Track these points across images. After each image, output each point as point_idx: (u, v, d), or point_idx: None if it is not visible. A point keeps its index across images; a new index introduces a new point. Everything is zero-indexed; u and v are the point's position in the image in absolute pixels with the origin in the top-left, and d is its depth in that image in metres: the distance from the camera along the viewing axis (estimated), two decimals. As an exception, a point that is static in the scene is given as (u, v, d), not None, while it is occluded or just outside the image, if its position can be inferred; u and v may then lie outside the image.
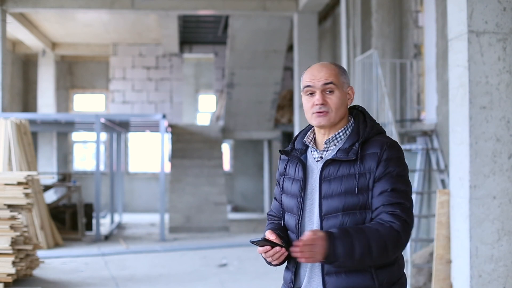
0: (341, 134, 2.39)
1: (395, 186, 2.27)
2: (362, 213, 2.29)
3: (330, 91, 2.35)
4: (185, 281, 8.11)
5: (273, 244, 2.30)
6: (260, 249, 2.31)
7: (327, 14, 13.75)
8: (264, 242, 2.28)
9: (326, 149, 2.39)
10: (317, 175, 2.37)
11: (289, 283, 2.40)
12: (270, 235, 2.33)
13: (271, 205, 2.59)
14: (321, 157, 2.39)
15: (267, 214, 2.59)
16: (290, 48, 14.95)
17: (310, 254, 2.16)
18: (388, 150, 2.30)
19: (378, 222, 2.25)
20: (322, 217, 2.31)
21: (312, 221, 2.36)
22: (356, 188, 2.28)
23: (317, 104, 2.34)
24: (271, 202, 2.68)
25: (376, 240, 2.21)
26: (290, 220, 2.41)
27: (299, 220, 2.37)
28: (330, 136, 2.38)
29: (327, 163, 2.33)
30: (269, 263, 2.42)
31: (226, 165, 18.86)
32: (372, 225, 2.24)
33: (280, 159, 2.54)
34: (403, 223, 2.25)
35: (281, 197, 2.49)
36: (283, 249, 2.30)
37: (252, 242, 2.31)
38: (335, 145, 2.39)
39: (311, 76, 2.37)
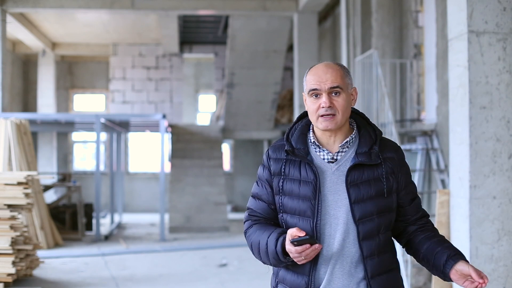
0: (353, 137, 2.39)
1: (416, 191, 2.50)
2: (390, 215, 2.38)
3: (336, 93, 2.33)
4: (185, 281, 8.11)
5: (313, 242, 2.23)
6: (298, 248, 2.23)
7: (327, 14, 13.75)
8: (309, 240, 2.21)
9: (340, 151, 2.37)
10: (332, 177, 2.34)
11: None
12: (300, 233, 2.23)
13: (252, 205, 2.49)
14: (333, 159, 2.36)
15: (248, 215, 2.50)
16: (290, 48, 14.95)
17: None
18: (401, 155, 2.44)
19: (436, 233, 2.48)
20: (357, 221, 2.30)
21: (333, 224, 2.32)
22: (385, 191, 2.35)
23: (323, 107, 2.31)
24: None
25: None
26: (300, 223, 2.34)
27: (315, 223, 2.32)
28: (347, 139, 2.37)
29: (351, 168, 2.33)
30: (278, 264, 2.36)
31: (226, 165, 18.86)
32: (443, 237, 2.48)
33: (270, 158, 2.43)
34: None
35: (277, 198, 2.40)
36: (321, 246, 2.26)
37: (294, 242, 2.22)
38: (347, 147, 2.38)
39: (317, 78, 2.33)
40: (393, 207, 2.38)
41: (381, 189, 2.33)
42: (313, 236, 2.30)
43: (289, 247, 2.25)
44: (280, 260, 2.33)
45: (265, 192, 2.44)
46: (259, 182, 2.47)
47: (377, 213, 2.32)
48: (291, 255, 2.26)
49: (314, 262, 2.32)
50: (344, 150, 2.37)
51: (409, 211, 2.44)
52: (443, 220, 5.41)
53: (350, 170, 2.32)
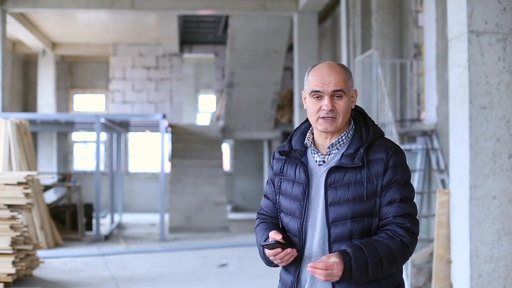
0: (343, 138, 2.35)
1: (403, 196, 2.29)
2: (369, 220, 2.29)
3: (338, 97, 2.31)
4: (185, 281, 8.11)
5: (284, 246, 2.27)
6: (270, 252, 2.28)
7: (327, 14, 13.75)
8: (276, 244, 2.26)
9: (329, 153, 2.36)
10: (320, 179, 2.34)
11: (290, 287, 2.37)
12: (276, 236, 2.29)
13: (262, 203, 2.54)
14: (323, 161, 2.35)
15: (258, 213, 2.55)
16: (290, 48, 14.96)
17: (328, 276, 2.16)
18: (394, 156, 2.31)
19: (390, 236, 2.26)
20: (329, 224, 2.28)
21: (315, 226, 2.33)
22: (365, 195, 2.27)
23: (324, 110, 2.30)
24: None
25: (387, 256, 2.24)
26: (291, 223, 2.37)
27: (302, 224, 2.33)
28: (333, 141, 2.35)
29: (332, 170, 2.30)
30: (269, 264, 2.40)
31: (226, 165, 18.86)
32: (384, 240, 2.25)
33: (274, 158, 2.48)
34: (412, 236, 2.29)
35: (277, 198, 2.44)
36: (294, 250, 2.28)
37: (263, 246, 2.29)
38: (337, 149, 2.35)
39: (320, 80, 2.31)
40: (375, 212, 2.28)
41: (360, 193, 2.27)
42: (287, 240, 2.33)
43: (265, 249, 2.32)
44: (268, 261, 2.38)
45: (270, 191, 2.49)
46: (268, 181, 2.52)
47: (352, 217, 2.26)
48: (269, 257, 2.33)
49: (299, 262, 2.34)
50: (333, 151, 2.35)
51: (381, 213, 2.29)
52: (443, 220, 5.41)
53: (331, 171, 2.30)
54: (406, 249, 2.27)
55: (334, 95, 2.31)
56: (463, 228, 4.83)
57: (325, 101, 2.30)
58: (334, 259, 2.17)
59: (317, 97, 2.32)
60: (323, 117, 2.30)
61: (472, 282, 4.73)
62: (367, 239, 2.25)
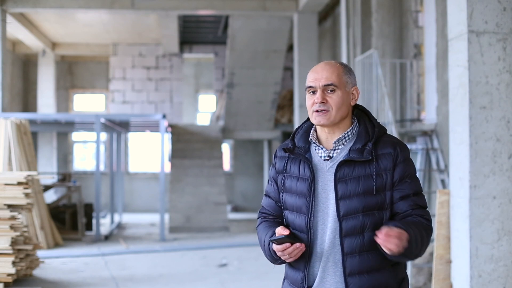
0: (349, 133, 2.40)
1: (416, 190, 2.37)
2: (380, 213, 2.33)
3: (331, 91, 2.36)
4: (185, 281, 8.11)
5: (292, 241, 2.28)
6: (279, 247, 2.29)
7: (327, 14, 13.76)
8: (285, 239, 2.26)
9: (335, 149, 2.39)
10: (326, 174, 2.36)
11: (301, 283, 2.37)
12: (284, 231, 2.30)
13: (263, 203, 2.55)
14: (329, 156, 2.38)
15: (259, 212, 2.56)
16: (290, 48, 14.96)
17: (395, 245, 2.19)
18: (401, 151, 2.37)
19: (420, 221, 2.34)
20: (340, 218, 2.31)
21: (325, 221, 2.35)
22: (375, 189, 2.31)
23: (316, 102, 2.35)
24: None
25: (425, 237, 2.32)
26: (297, 219, 2.39)
27: (309, 220, 2.35)
28: (340, 136, 2.39)
29: (341, 164, 2.33)
30: (274, 261, 2.41)
31: (226, 165, 18.86)
32: (419, 222, 2.33)
33: (276, 156, 2.51)
34: (431, 224, 2.39)
35: (280, 196, 2.46)
36: (303, 245, 2.30)
37: (272, 241, 2.30)
38: (343, 144, 2.39)
39: (314, 75, 2.38)
40: (385, 205, 2.33)
41: (370, 187, 2.31)
42: (292, 236, 2.33)
43: (272, 245, 2.34)
44: (274, 257, 2.39)
45: (272, 189, 2.51)
46: (269, 180, 2.54)
47: (363, 210, 2.30)
48: (277, 253, 2.33)
49: (308, 258, 2.36)
50: (339, 147, 2.39)
51: (398, 208, 2.35)
52: (443, 220, 5.41)
53: (340, 166, 2.33)
54: (430, 233, 2.36)
55: (326, 89, 2.37)
56: (463, 228, 4.83)
57: (317, 94, 2.37)
58: (397, 229, 2.21)
59: (312, 92, 2.39)
60: (316, 110, 2.36)
61: (472, 282, 4.73)
62: (403, 221, 2.31)
